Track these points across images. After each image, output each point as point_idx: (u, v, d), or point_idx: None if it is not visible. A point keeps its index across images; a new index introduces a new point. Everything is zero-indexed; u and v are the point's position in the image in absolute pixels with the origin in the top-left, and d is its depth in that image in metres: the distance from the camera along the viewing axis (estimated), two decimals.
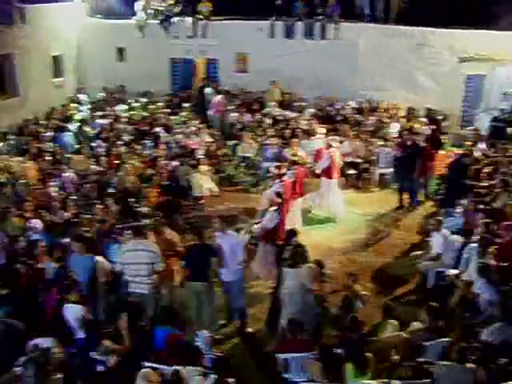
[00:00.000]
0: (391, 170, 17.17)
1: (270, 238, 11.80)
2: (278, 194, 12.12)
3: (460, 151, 16.26)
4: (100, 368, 7.74)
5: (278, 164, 14.34)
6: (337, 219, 15.04)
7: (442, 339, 8.24)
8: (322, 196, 15.10)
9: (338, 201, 15.25)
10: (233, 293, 10.36)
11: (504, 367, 7.47)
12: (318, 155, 15.58)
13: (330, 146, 15.20)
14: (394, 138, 17.54)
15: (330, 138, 16.98)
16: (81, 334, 8.57)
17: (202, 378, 7.26)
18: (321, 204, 15.15)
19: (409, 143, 15.94)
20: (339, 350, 7.89)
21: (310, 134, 17.43)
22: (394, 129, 18.54)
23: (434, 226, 11.69)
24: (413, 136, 16.27)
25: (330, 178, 14.96)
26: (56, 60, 22.74)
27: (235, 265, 10.06)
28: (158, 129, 18.48)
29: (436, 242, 11.53)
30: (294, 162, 14.14)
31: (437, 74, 20.88)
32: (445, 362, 7.50)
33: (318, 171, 15.15)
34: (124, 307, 9.22)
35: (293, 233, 10.48)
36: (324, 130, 17.37)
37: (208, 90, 21.85)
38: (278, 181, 13.16)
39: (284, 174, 13.42)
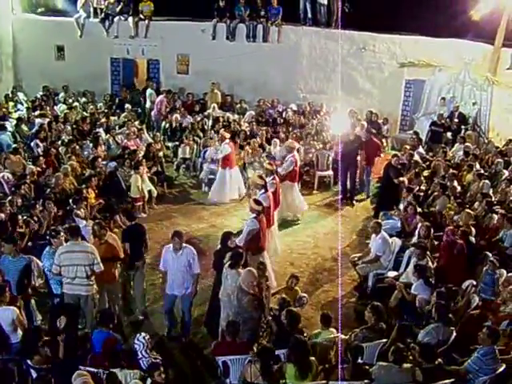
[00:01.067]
0: (331, 172, 17.31)
1: (253, 247, 10.87)
2: (257, 202, 11.23)
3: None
4: (35, 374, 7.51)
5: (259, 174, 13.45)
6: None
7: (380, 340, 8.33)
8: (286, 200, 14.81)
9: (302, 202, 15.38)
10: (182, 305, 10.09)
11: (440, 366, 7.60)
12: (227, 159, 15.82)
13: (293, 149, 15.09)
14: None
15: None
16: (15, 339, 8.32)
17: (139, 381, 7.13)
18: (289, 207, 15.00)
19: (351, 138, 16.18)
20: (281, 351, 7.89)
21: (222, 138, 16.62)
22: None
23: (373, 229, 11.80)
24: (355, 131, 16.69)
25: (294, 181, 14.93)
26: None
27: (190, 279, 9.77)
28: (98, 129, 18.19)
29: (375, 244, 11.64)
30: (272, 172, 13.56)
31: (377, 79, 21.28)
32: (382, 363, 7.57)
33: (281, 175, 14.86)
34: (61, 310, 9.06)
35: (228, 236, 10.34)
36: (228, 135, 16.70)
37: (149, 91, 21.65)
38: (262, 192, 12.30)
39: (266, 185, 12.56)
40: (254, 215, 11.01)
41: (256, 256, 10.69)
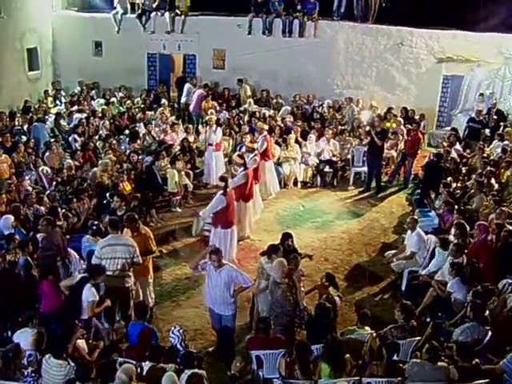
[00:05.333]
0: (366, 168, 17.20)
1: (219, 222, 11.84)
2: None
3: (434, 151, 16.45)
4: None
5: (239, 153, 14.24)
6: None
7: (414, 338, 8.28)
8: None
9: (275, 181, 16.07)
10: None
11: (477, 366, 7.52)
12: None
13: (263, 130, 15.90)
14: (364, 125, 18.04)
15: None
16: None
17: (174, 373, 7.18)
18: (262, 185, 15.34)
19: (378, 129, 16.41)
20: (316, 346, 7.89)
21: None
22: (364, 117, 18.64)
23: (409, 226, 11.71)
24: (382, 123, 17.05)
25: (268, 160, 15.53)
26: (31, 53, 22.28)
27: (229, 299, 9.12)
28: (137, 124, 18.41)
29: (411, 241, 11.57)
30: (253, 149, 14.53)
31: (415, 74, 21.01)
32: (416, 360, 7.53)
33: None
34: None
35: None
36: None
37: (187, 86, 21.75)
38: (241, 169, 13.24)
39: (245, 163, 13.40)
40: (222, 192, 11.70)
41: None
